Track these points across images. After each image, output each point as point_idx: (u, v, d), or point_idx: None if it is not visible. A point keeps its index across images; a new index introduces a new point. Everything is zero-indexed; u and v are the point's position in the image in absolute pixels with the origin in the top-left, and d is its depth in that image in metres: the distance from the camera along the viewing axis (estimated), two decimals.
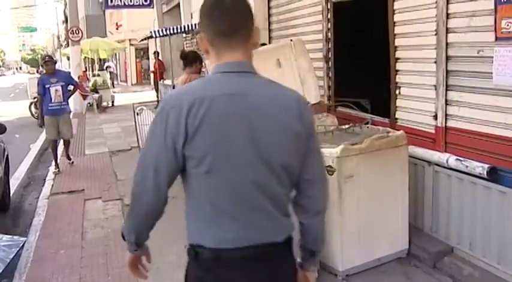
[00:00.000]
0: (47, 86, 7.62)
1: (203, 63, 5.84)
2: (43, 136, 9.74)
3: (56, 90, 7.62)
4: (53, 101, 7.61)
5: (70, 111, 8.31)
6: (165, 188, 1.69)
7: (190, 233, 1.72)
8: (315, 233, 1.87)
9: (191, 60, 5.86)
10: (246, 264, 1.63)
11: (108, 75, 24.06)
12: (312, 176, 1.75)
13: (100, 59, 26.36)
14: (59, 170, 7.80)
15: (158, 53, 17.43)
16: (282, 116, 1.62)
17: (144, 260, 1.94)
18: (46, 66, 7.90)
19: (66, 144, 8.24)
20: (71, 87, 8.08)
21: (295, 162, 1.67)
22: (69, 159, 8.31)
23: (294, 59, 4.87)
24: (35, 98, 7.75)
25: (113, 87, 26.83)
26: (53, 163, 7.98)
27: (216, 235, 1.63)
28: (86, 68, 25.73)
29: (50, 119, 7.70)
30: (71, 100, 8.76)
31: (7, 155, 6.47)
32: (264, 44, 6.21)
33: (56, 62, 8.22)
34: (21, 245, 4.95)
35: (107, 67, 27.91)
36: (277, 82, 1.72)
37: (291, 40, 4.97)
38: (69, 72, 10.52)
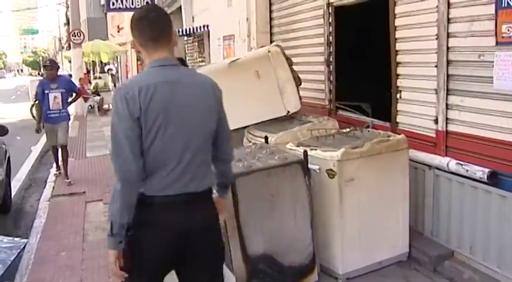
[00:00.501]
0: (46, 91, 7.24)
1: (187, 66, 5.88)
2: (44, 138, 9.74)
3: (55, 97, 7.24)
4: (51, 107, 7.22)
5: (69, 119, 7.89)
6: (139, 155, 2.12)
7: (145, 185, 2.17)
8: (227, 173, 2.54)
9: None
10: (180, 206, 2.19)
11: (109, 77, 24.09)
12: (224, 135, 2.40)
13: (101, 62, 26.39)
14: (60, 172, 7.67)
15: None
16: (202, 94, 2.26)
17: (120, 260, 2.18)
18: (46, 70, 7.56)
19: (64, 156, 7.46)
20: (73, 94, 7.73)
21: (213, 126, 2.30)
22: (67, 178, 7.34)
23: (273, 70, 4.88)
24: (36, 100, 7.52)
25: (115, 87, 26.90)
26: (54, 165, 7.92)
27: (153, 185, 2.17)
28: (87, 70, 25.78)
29: (49, 127, 7.38)
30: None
31: (8, 157, 6.49)
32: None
33: (58, 68, 7.77)
34: (22, 246, 4.95)
35: (108, 70, 27.94)
36: (197, 72, 2.52)
37: (269, 51, 4.92)
38: (71, 76, 10.17)
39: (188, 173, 2.20)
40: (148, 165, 2.14)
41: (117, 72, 31.33)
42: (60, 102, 7.27)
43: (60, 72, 8.15)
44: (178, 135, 2.16)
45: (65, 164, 7.45)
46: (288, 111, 4.98)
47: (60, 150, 7.51)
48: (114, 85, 27.59)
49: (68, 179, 7.30)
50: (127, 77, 32.32)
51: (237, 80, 4.98)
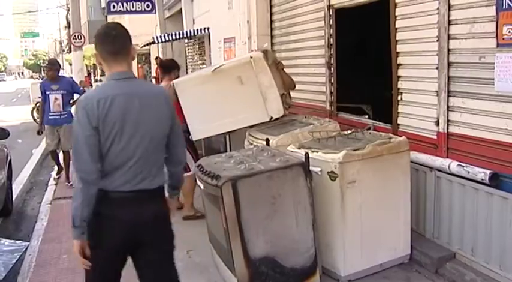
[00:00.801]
0: (47, 92, 7.15)
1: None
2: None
3: (56, 98, 7.08)
4: (52, 109, 7.09)
5: (72, 121, 7.59)
6: (98, 159, 2.42)
7: (104, 182, 2.47)
8: (178, 176, 2.85)
9: (169, 68, 5.95)
10: (132, 201, 2.49)
11: None
12: (176, 140, 2.68)
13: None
14: (59, 177, 7.64)
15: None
16: (155, 104, 2.56)
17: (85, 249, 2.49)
18: (47, 71, 7.51)
19: (67, 160, 7.24)
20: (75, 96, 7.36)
21: (166, 131, 2.59)
22: (69, 181, 7.21)
23: (255, 76, 4.91)
24: (37, 103, 7.49)
25: None
26: (55, 168, 7.90)
27: (115, 182, 2.47)
28: (88, 72, 25.79)
29: (49, 129, 7.21)
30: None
31: (10, 160, 6.49)
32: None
33: (58, 68, 7.63)
34: (24, 249, 4.96)
35: None
36: (151, 84, 3.23)
37: (251, 57, 4.95)
38: (72, 78, 10.15)
39: (141, 173, 2.51)
40: (106, 166, 2.46)
41: None
42: (61, 104, 7.11)
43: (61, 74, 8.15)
44: (132, 141, 2.47)
45: (66, 168, 7.32)
46: (271, 117, 5.03)
47: (62, 153, 7.44)
48: None
49: (69, 181, 7.16)
50: None
51: (221, 86, 5.03)
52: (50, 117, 7.15)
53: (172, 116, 2.65)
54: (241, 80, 4.75)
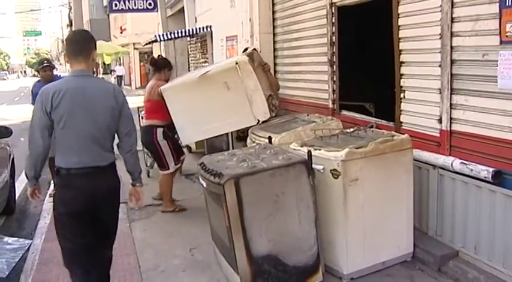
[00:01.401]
0: None
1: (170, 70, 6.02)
2: None
3: None
4: None
5: None
6: (47, 137, 3.02)
7: (57, 160, 3.08)
8: (130, 162, 3.32)
9: (159, 67, 5.92)
10: (88, 176, 3.04)
11: (112, 79, 24.13)
12: (125, 130, 3.19)
13: (104, 63, 26.45)
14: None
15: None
16: (103, 97, 3.08)
17: (38, 192, 3.29)
18: (44, 71, 6.48)
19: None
20: None
21: (113, 123, 3.11)
22: None
23: (241, 80, 4.95)
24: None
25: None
26: (52, 183, 6.65)
27: (70, 161, 3.03)
28: (93, 71, 25.83)
29: None
30: None
31: (13, 158, 6.50)
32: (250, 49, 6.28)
33: (54, 67, 6.97)
34: (27, 247, 4.98)
35: (111, 71, 28.03)
36: (103, 80, 3.46)
37: (236, 63, 4.96)
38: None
39: (90, 153, 3.04)
40: (62, 147, 3.04)
41: (123, 74, 31.35)
42: None
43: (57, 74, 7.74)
44: (80, 127, 3.01)
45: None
46: (258, 121, 5.10)
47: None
48: (119, 85, 27.64)
49: None
50: (130, 77, 32.47)
51: (208, 91, 5.09)
52: None
53: (120, 109, 3.13)
54: (227, 86, 4.81)
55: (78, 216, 3.06)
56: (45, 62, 6.74)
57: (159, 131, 5.54)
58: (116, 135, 3.23)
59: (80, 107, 2.99)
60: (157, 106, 5.53)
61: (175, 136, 5.75)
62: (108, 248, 3.35)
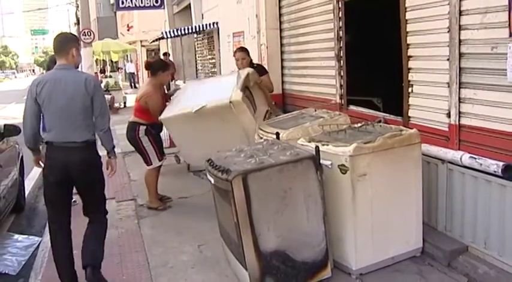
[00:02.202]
0: None
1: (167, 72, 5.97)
2: None
3: None
4: None
5: None
6: (36, 121, 3.78)
7: (45, 135, 3.79)
8: (103, 139, 3.91)
9: (153, 70, 5.83)
10: (64, 149, 3.72)
11: (120, 76, 24.16)
12: (97, 112, 3.79)
13: (111, 61, 26.51)
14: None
15: (168, 54, 17.49)
16: (75, 86, 3.70)
17: (41, 161, 3.97)
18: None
19: None
20: None
21: (85, 106, 3.72)
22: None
23: (236, 116, 5.00)
24: None
25: (135, 87, 27.08)
26: None
27: (50, 136, 3.74)
28: (103, 69, 25.92)
29: None
30: None
31: (22, 156, 6.53)
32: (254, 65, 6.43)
33: None
34: (37, 245, 5.01)
35: (118, 68, 28.07)
36: (79, 72, 3.93)
37: (230, 102, 4.97)
38: None
39: (67, 131, 3.71)
40: (48, 125, 3.74)
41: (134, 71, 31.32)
42: None
43: None
44: (56, 109, 3.69)
45: None
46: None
47: None
48: (132, 85, 27.67)
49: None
50: (137, 75, 32.50)
51: (206, 122, 5.14)
52: None
53: (92, 95, 3.74)
54: (223, 120, 4.89)
55: (56, 182, 3.77)
56: (51, 58, 6.11)
57: (142, 128, 5.66)
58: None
59: (56, 93, 3.68)
60: (143, 110, 5.68)
61: (159, 134, 5.91)
62: (95, 212, 4.05)
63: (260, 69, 6.40)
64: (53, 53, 4.09)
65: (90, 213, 4.05)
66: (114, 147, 4.04)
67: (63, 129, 3.71)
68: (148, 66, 5.94)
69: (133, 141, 5.79)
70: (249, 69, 5.85)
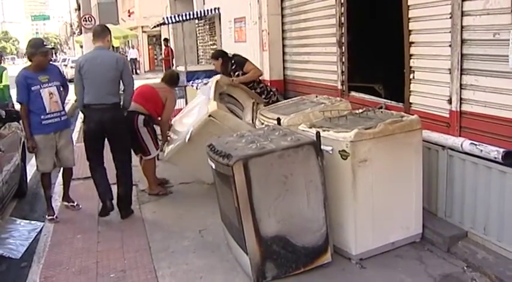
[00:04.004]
0: (34, 87, 4.94)
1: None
2: None
3: (51, 93, 5.00)
4: (48, 110, 4.98)
5: (71, 126, 5.78)
6: (82, 89, 4.97)
7: (84, 99, 4.98)
8: (127, 102, 5.12)
9: (175, 83, 6.16)
10: (98, 109, 4.92)
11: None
12: (125, 82, 5.03)
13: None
14: (56, 217, 5.19)
15: (168, 40, 17.41)
16: (108, 62, 4.93)
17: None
18: (43, 56, 5.04)
19: (67, 176, 5.58)
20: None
21: (116, 78, 4.94)
22: (71, 201, 5.56)
23: (221, 125, 5.15)
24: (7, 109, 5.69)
25: (137, 73, 27.03)
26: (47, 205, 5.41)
27: (87, 99, 4.94)
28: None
29: (43, 140, 5.05)
30: None
31: (23, 142, 6.54)
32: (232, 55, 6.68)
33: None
34: (39, 229, 5.05)
35: (121, 54, 27.98)
36: (110, 52, 5.43)
37: (209, 115, 5.18)
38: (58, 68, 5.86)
39: (101, 95, 4.90)
40: (86, 91, 4.92)
41: (137, 56, 31.22)
42: (59, 100, 5.11)
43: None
44: (93, 79, 4.89)
45: (66, 185, 5.63)
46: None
47: (61, 171, 5.82)
48: (136, 71, 27.61)
49: (71, 202, 5.55)
50: (138, 61, 32.43)
51: (202, 142, 5.15)
52: (45, 121, 5.01)
53: (121, 70, 4.94)
54: (213, 132, 4.95)
55: (92, 134, 5.02)
56: (41, 42, 5.29)
57: (141, 118, 5.51)
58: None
59: (93, 67, 4.89)
60: (152, 100, 5.69)
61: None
62: (124, 160, 5.16)
63: (239, 61, 6.53)
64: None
65: (118, 162, 5.13)
66: (129, 106, 5.19)
67: (97, 94, 4.88)
68: (167, 80, 6.06)
69: (132, 133, 5.43)
70: (216, 77, 6.23)
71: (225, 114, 5.33)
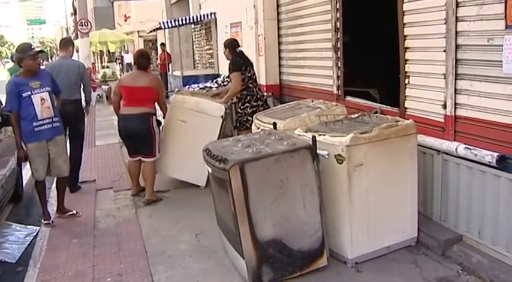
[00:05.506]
0: (25, 93, 4.81)
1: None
2: None
3: (42, 99, 4.88)
4: (39, 116, 4.87)
5: (64, 132, 5.37)
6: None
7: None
8: (88, 97, 6.64)
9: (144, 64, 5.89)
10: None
11: (117, 66, 24.10)
12: (84, 83, 6.36)
13: (109, 51, 26.44)
14: (52, 221, 5.13)
15: (164, 45, 17.44)
16: (71, 68, 6.17)
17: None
18: (31, 60, 4.89)
19: (61, 187, 5.39)
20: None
21: (78, 80, 6.21)
22: (66, 211, 5.35)
23: (183, 108, 5.93)
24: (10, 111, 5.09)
25: None
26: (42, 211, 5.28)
27: (63, 95, 5.61)
28: (102, 59, 25.81)
29: (36, 148, 4.94)
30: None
31: None
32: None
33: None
34: (35, 234, 5.04)
35: (116, 59, 28.00)
36: (73, 60, 6.55)
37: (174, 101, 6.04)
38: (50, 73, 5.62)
39: (67, 92, 5.81)
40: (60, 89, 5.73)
41: (131, 61, 31.18)
42: (51, 106, 4.98)
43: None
44: (61, 81, 5.70)
45: (60, 196, 5.42)
46: (222, 116, 5.84)
47: (55, 181, 5.70)
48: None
49: (66, 212, 5.35)
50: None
51: (183, 140, 5.92)
52: (37, 128, 4.90)
53: (82, 74, 6.22)
54: (182, 121, 5.94)
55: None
56: (32, 46, 5.12)
57: (153, 118, 5.58)
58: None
59: (61, 73, 5.90)
60: (153, 98, 5.70)
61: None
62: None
63: (233, 65, 6.18)
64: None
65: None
66: (91, 100, 6.78)
67: (64, 91, 5.62)
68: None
69: (148, 133, 5.51)
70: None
71: (183, 97, 6.14)
